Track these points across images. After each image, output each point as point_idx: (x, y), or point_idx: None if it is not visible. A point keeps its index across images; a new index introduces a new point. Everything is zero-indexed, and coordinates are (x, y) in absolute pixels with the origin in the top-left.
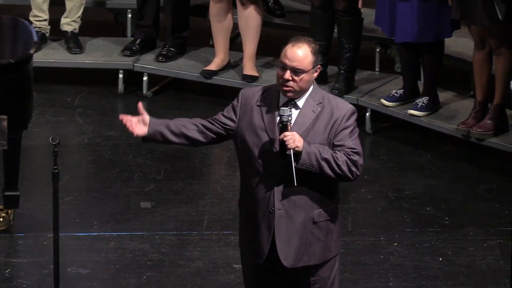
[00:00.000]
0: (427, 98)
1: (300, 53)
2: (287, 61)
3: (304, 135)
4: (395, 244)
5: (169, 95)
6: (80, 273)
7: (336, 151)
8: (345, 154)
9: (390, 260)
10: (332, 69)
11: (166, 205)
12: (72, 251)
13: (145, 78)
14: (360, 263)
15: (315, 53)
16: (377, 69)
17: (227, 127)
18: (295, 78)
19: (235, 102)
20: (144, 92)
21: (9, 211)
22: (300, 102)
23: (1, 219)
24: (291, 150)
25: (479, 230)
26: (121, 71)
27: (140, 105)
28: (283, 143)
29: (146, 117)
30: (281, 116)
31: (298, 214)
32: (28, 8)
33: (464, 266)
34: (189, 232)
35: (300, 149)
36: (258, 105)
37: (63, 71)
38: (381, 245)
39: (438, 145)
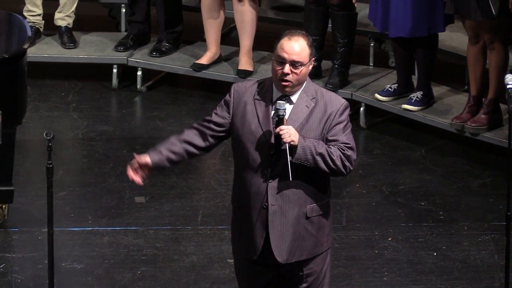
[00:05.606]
0: (421, 92)
1: (298, 46)
2: (285, 55)
3: (298, 131)
4: (390, 238)
5: (163, 90)
6: (74, 268)
7: (330, 146)
8: (339, 149)
9: (385, 254)
10: (326, 64)
11: (161, 200)
12: (66, 246)
13: (139, 73)
14: (354, 258)
15: (310, 45)
16: (371, 64)
17: (222, 128)
18: (295, 71)
19: (227, 97)
20: (138, 87)
21: (4, 206)
22: (294, 97)
23: None
24: (287, 144)
25: (473, 224)
26: (115, 66)
27: (137, 158)
28: (278, 137)
29: (145, 159)
30: (277, 110)
31: (291, 209)
32: (22, 3)
33: (458, 261)
34: (184, 227)
35: (296, 143)
36: (251, 100)
37: (57, 66)
38: (376, 239)
39: (432, 140)
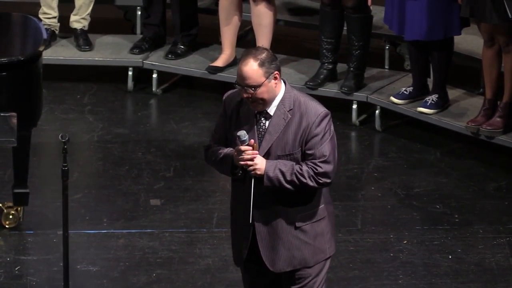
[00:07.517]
0: (436, 95)
1: (247, 70)
2: (239, 81)
3: (275, 145)
4: (405, 241)
5: (179, 92)
6: (89, 271)
7: (303, 166)
8: (311, 168)
9: (400, 257)
10: (341, 67)
11: (176, 203)
12: (81, 249)
13: (154, 76)
14: (369, 260)
15: (262, 64)
16: (386, 67)
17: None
18: (253, 92)
19: (222, 112)
20: (153, 89)
21: (19, 209)
22: (271, 110)
23: (11, 217)
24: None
25: (488, 227)
26: (130, 68)
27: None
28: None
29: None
30: (238, 137)
31: (279, 220)
32: (37, 5)
33: (473, 264)
34: (199, 230)
35: (262, 173)
36: (236, 112)
37: (73, 68)
38: (391, 242)
39: (447, 143)
